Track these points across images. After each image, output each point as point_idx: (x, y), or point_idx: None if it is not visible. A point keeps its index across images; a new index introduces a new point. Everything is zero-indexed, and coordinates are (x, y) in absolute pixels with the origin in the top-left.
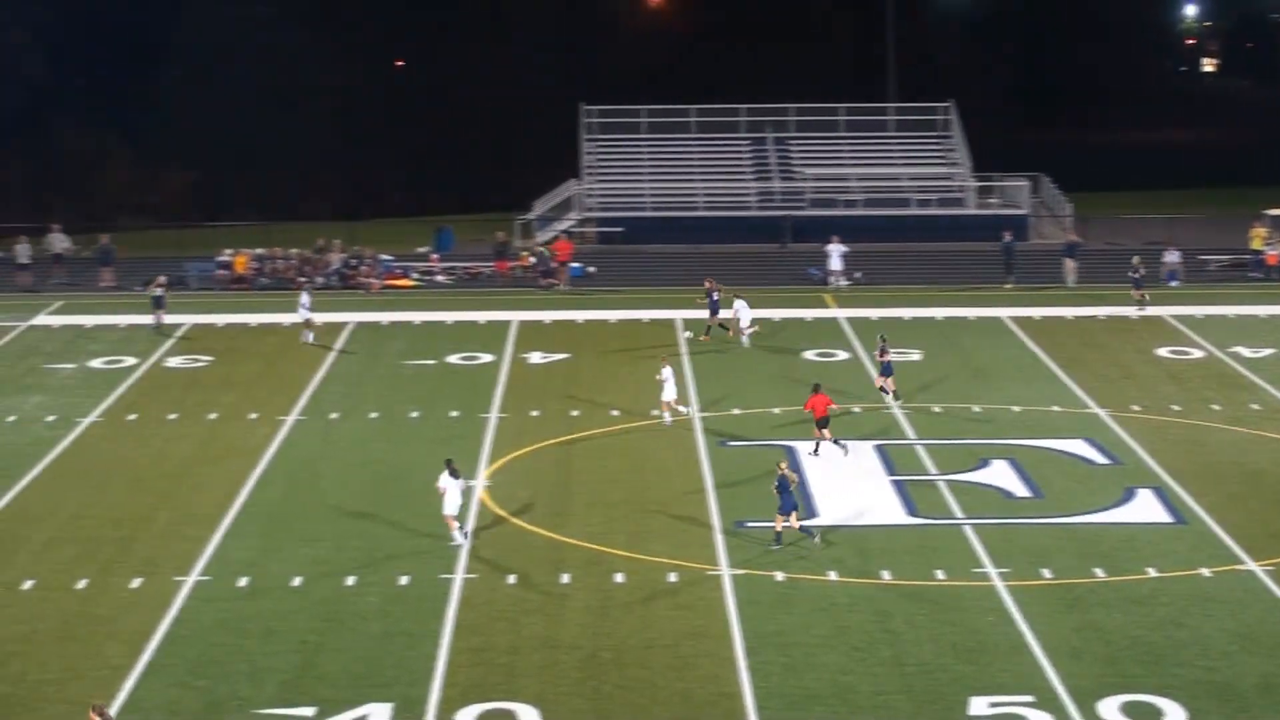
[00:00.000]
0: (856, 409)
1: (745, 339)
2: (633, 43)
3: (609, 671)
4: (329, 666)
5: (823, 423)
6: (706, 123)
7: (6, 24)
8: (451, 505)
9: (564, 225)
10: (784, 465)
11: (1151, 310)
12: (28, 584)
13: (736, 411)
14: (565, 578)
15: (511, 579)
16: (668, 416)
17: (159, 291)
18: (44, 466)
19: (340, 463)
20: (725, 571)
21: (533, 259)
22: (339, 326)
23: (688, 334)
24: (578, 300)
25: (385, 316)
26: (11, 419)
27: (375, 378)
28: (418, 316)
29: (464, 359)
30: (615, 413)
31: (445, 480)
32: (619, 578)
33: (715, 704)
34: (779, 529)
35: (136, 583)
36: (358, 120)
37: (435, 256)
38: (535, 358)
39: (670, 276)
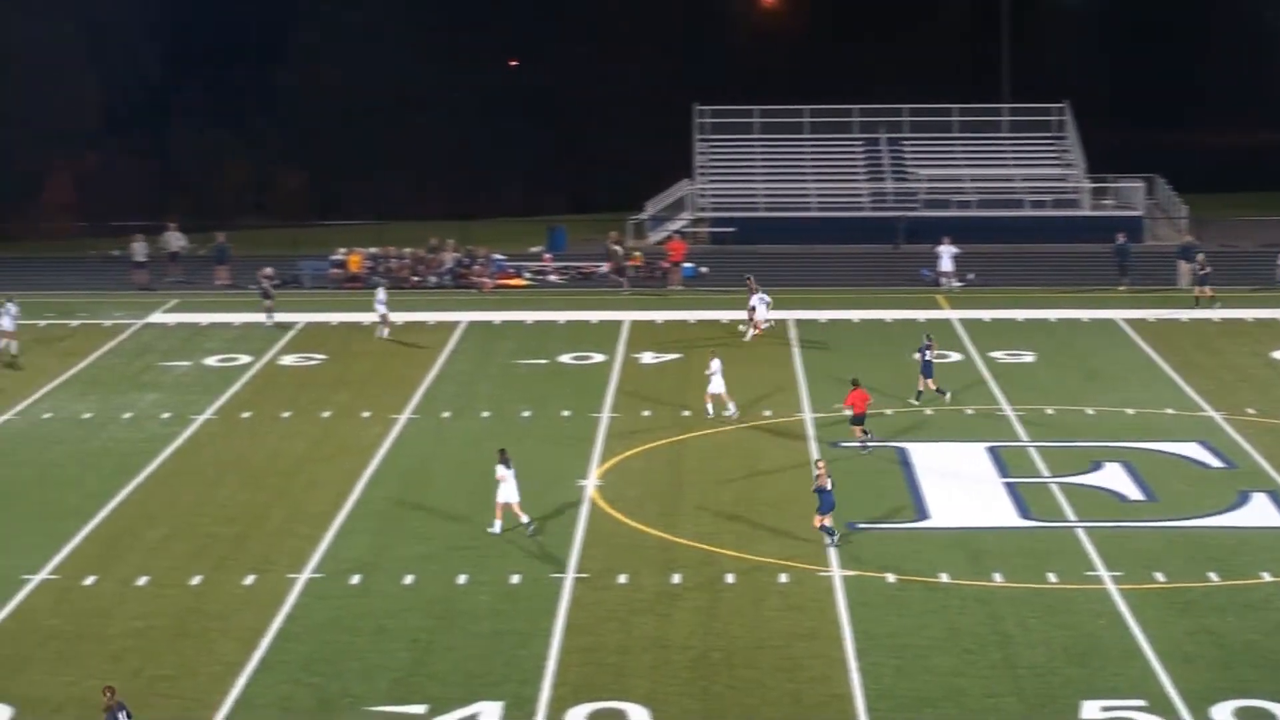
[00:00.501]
0: (969, 411)
1: (750, 333)
2: (746, 43)
3: (719, 672)
4: (440, 664)
5: (858, 420)
6: (820, 123)
7: (126, 24)
8: (507, 494)
9: (676, 225)
10: (822, 465)
11: (1223, 311)
12: (142, 580)
13: (848, 413)
14: (676, 578)
15: (622, 578)
16: (710, 408)
17: (265, 284)
18: (159, 464)
19: (452, 461)
20: (836, 573)
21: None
22: (451, 326)
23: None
24: (690, 300)
25: (497, 316)
26: (127, 416)
27: (487, 377)
28: (530, 316)
29: (576, 358)
30: (727, 412)
31: (501, 470)
32: (729, 578)
33: (825, 705)
34: (816, 525)
35: (250, 580)
36: (472, 120)
37: (548, 256)
38: (647, 358)
39: (782, 277)
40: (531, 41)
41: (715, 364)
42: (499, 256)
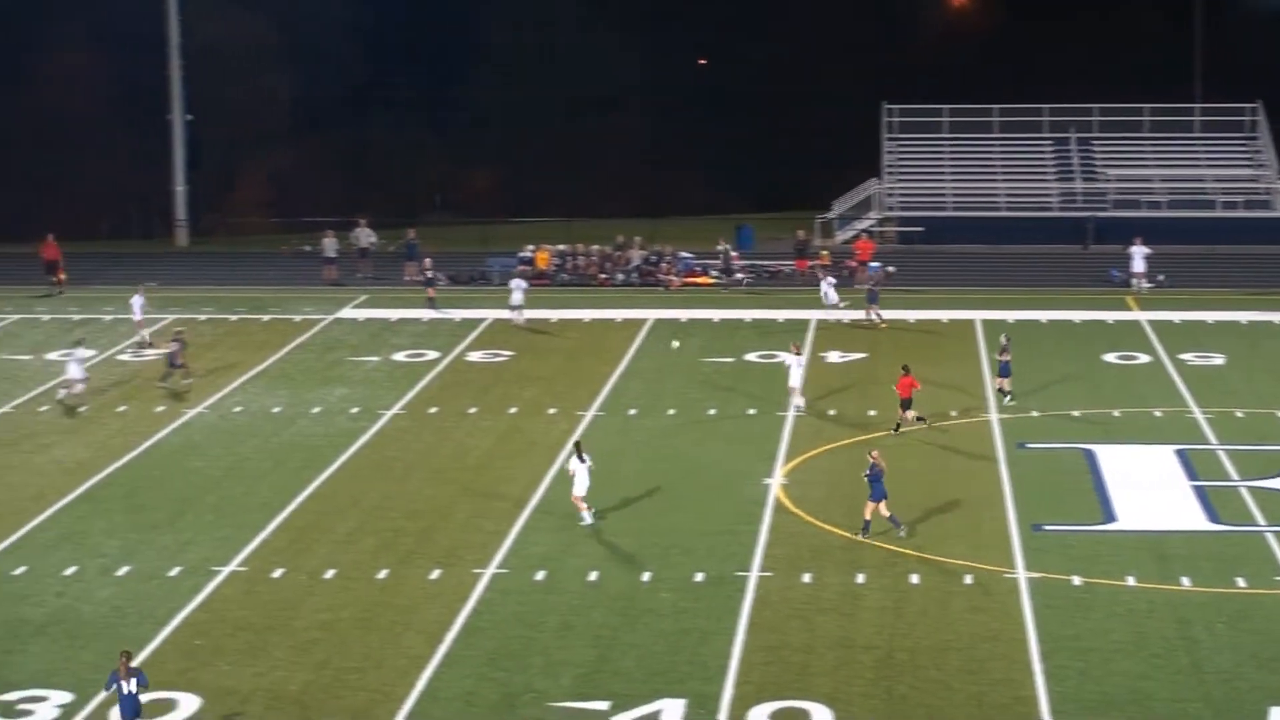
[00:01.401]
0: (1157, 413)
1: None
2: (935, 42)
3: (903, 673)
4: (623, 661)
5: (906, 404)
6: (1009, 122)
7: (326, 21)
8: (580, 487)
9: (864, 224)
10: (876, 454)
11: None
12: (329, 573)
13: (1035, 413)
14: (860, 577)
15: (807, 577)
16: (799, 401)
17: (430, 275)
18: (347, 458)
19: (638, 458)
20: (1022, 574)
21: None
22: (638, 323)
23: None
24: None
25: (684, 314)
26: (316, 411)
27: (673, 374)
28: (716, 314)
29: (762, 357)
30: (912, 413)
31: (574, 464)
32: (914, 578)
33: (1009, 708)
34: (868, 517)
35: (435, 574)
36: (660, 118)
37: (735, 254)
38: (833, 357)
39: (970, 277)
40: (721, 40)
41: (796, 357)
42: (686, 255)
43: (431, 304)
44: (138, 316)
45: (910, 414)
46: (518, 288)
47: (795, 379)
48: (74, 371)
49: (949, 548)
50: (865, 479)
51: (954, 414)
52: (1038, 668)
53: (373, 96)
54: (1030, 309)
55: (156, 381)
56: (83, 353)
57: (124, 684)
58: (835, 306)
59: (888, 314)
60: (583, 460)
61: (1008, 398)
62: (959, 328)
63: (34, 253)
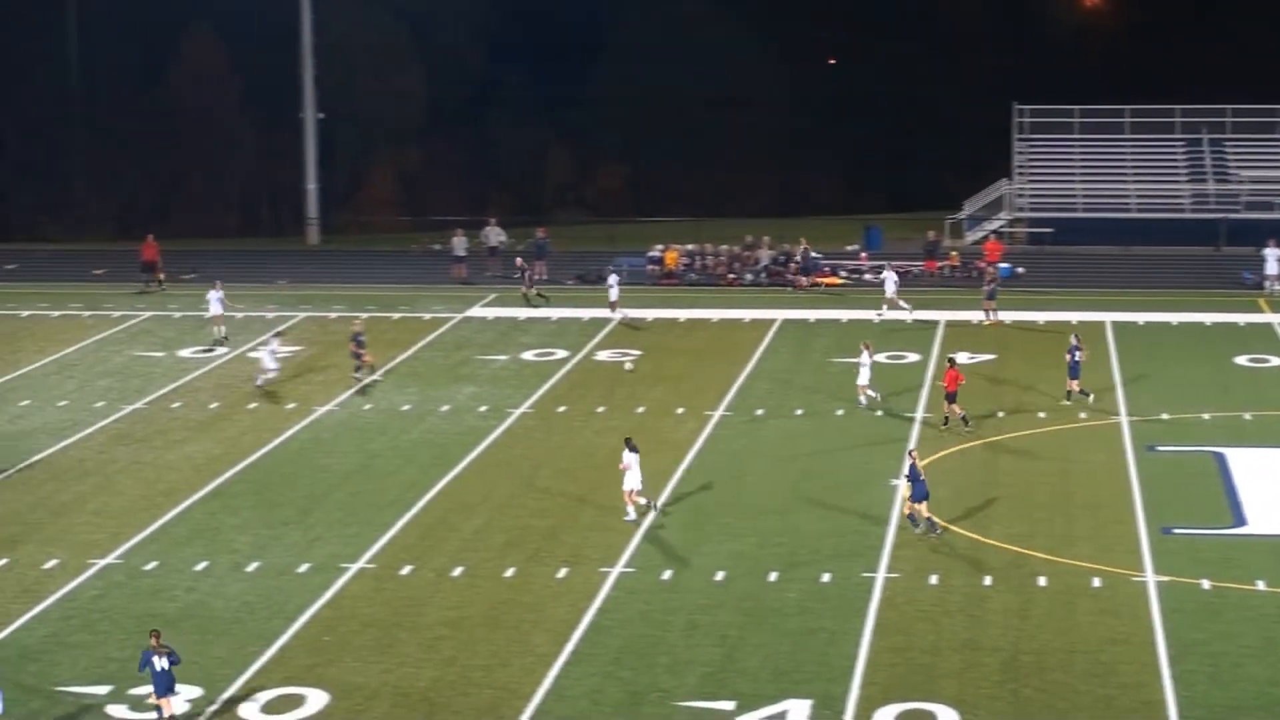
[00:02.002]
0: None
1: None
2: (1066, 42)
3: (1030, 675)
4: (749, 661)
5: (951, 398)
6: (1140, 123)
7: (450, 20)
8: (633, 481)
9: (994, 225)
10: (914, 453)
11: None
12: (457, 570)
13: (1165, 416)
14: (987, 579)
15: (934, 579)
16: (863, 399)
17: (522, 273)
18: (475, 456)
19: (765, 459)
20: (1150, 578)
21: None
22: (766, 323)
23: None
24: (1005, 301)
25: (812, 314)
26: (445, 409)
27: (802, 375)
28: (845, 314)
29: (890, 358)
30: (1042, 415)
31: (627, 457)
32: (1042, 581)
33: (1136, 712)
34: (908, 512)
35: (562, 572)
36: (790, 118)
37: (864, 255)
38: (962, 357)
39: (1100, 278)
40: (852, 39)
41: (865, 356)
42: (815, 254)
43: (526, 298)
44: (215, 312)
45: (956, 408)
46: (614, 284)
47: (864, 377)
48: (267, 362)
49: (1077, 550)
50: (905, 480)
51: (1083, 416)
52: (1166, 672)
53: (501, 95)
54: (1161, 311)
55: (351, 373)
56: (276, 345)
57: (156, 660)
58: (892, 301)
59: (1018, 314)
60: (634, 452)
61: (1091, 397)
62: (1089, 330)
63: (165, 249)
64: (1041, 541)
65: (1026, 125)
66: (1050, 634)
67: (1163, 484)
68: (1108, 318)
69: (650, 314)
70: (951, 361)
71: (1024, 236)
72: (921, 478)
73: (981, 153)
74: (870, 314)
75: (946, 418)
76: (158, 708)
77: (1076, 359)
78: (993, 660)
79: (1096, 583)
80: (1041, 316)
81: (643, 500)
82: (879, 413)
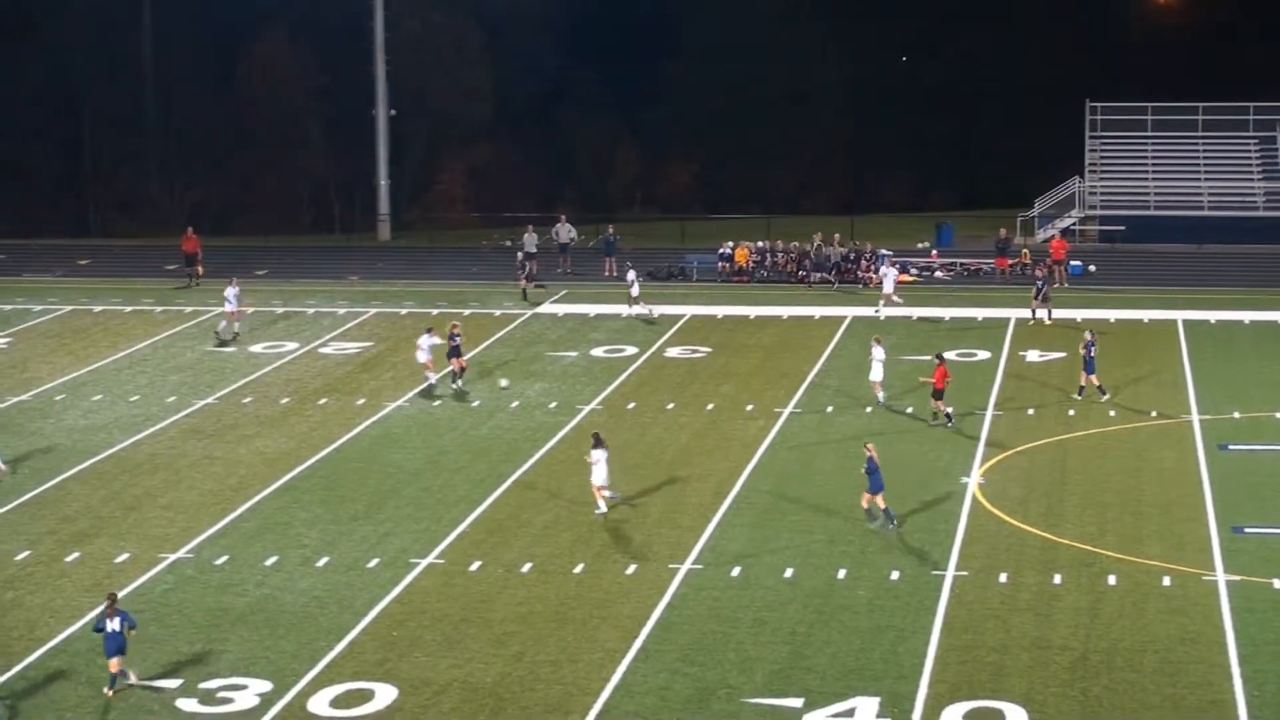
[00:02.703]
0: None
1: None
2: (1140, 39)
3: (1099, 674)
4: (817, 658)
5: (939, 394)
6: (1213, 120)
7: (520, 18)
8: (599, 476)
9: (1065, 223)
10: (871, 447)
11: None
12: (526, 566)
13: (1236, 415)
14: (1057, 578)
15: (1003, 577)
16: (881, 396)
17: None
18: (545, 452)
19: (835, 456)
20: (1220, 577)
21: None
22: (836, 321)
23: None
24: (1076, 299)
25: (883, 311)
26: (515, 405)
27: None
28: (915, 312)
29: (960, 355)
30: (1113, 413)
31: (595, 453)
32: (1112, 579)
33: (1206, 711)
34: (865, 506)
35: (631, 569)
36: (861, 115)
37: (935, 252)
38: (1033, 356)
39: (1172, 277)
40: (924, 36)
41: (879, 350)
42: (885, 252)
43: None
44: (231, 307)
45: (942, 405)
46: (634, 280)
47: (877, 373)
48: (422, 356)
49: (1147, 549)
50: (864, 473)
51: (1153, 414)
52: (1236, 671)
53: (571, 92)
54: (1233, 310)
55: (450, 384)
56: (428, 339)
57: (109, 622)
58: (888, 297)
59: (1089, 313)
60: (601, 448)
61: (1104, 395)
62: (1160, 328)
63: (237, 245)
64: (1112, 540)
65: (1099, 122)
66: (1120, 633)
67: (1234, 483)
68: (1179, 316)
69: (720, 311)
70: (940, 358)
71: (1095, 234)
72: (878, 470)
73: (1054, 150)
74: (939, 311)
75: (934, 413)
76: (123, 671)
77: (1092, 354)
78: (1062, 659)
79: (1167, 581)
80: (1113, 314)
81: (609, 493)
82: (908, 409)
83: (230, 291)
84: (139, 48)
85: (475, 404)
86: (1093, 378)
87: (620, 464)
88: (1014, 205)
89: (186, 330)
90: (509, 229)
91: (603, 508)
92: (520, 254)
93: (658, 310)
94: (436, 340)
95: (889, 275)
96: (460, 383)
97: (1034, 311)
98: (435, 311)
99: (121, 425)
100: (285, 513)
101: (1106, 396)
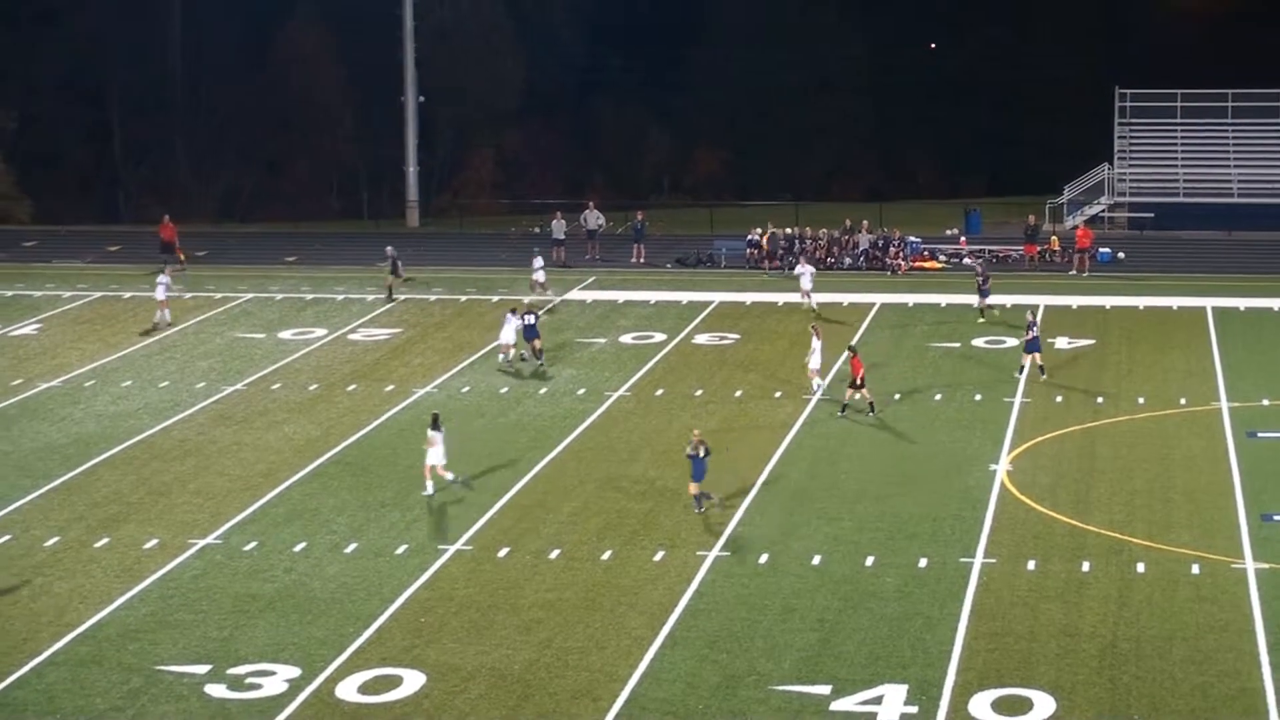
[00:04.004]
0: None
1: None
2: (1169, 25)
3: (1127, 662)
4: (845, 645)
5: (858, 384)
6: (1243, 107)
7: (547, 6)
8: (435, 456)
9: (1094, 210)
10: (698, 434)
11: None
12: (554, 553)
13: (1266, 402)
14: (1085, 565)
15: (1031, 565)
16: (815, 384)
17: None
18: (573, 439)
19: (863, 443)
20: (1250, 565)
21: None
22: (865, 307)
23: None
24: (1105, 286)
25: (911, 298)
26: (543, 391)
27: (900, 359)
28: (944, 299)
29: (989, 342)
30: (1141, 400)
31: (431, 434)
32: (1140, 567)
33: (1234, 700)
34: (694, 493)
35: (659, 555)
36: (890, 102)
37: (963, 239)
38: (1061, 343)
39: (1201, 264)
40: (952, 24)
41: (816, 342)
42: (914, 239)
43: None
44: (160, 296)
45: (856, 393)
46: (539, 267)
47: (815, 361)
48: (506, 336)
49: (1176, 536)
50: (687, 458)
51: (1183, 402)
52: (1265, 659)
53: (599, 79)
54: (1262, 297)
55: (536, 365)
56: (515, 320)
57: None
58: (806, 295)
59: (1118, 300)
60: (438, 429)
61: (1043, 375)
62: (1189, 315)
63: (267, 231)
64: (1140, 528)
65: (1128, 109)
66: (1148, 621)
67: (1263, 470)
68: (1208, 303)
69: (748, 298)
70: (853, 350)
71: (1125, 221)
72: (702, 457)
73: (1083, 137)
74: (971, 299)
75: (844, 404)
76: None
77: (1035, 334)
78: (1090, 646)
79: (1195, 569)
80: (1141, 302)
81: (449, 476)
82: (937, 396)
83: (162, 279)
84: (169, 34)
85: (503, 390)
86: (1035, 356)
87: (648, 451)
88: (1043, 192)
89: (216, 316)
90: (538, 215)
91: (430, 489)
92: (389, 249)
93: (685, 298)
94: (519, 322)
95: (806, 274)
96: (542, 362)
97: (982, 309)
98: (464, 299)
99: (151, 411)
100: (314, 499)
101: (1044, 376)
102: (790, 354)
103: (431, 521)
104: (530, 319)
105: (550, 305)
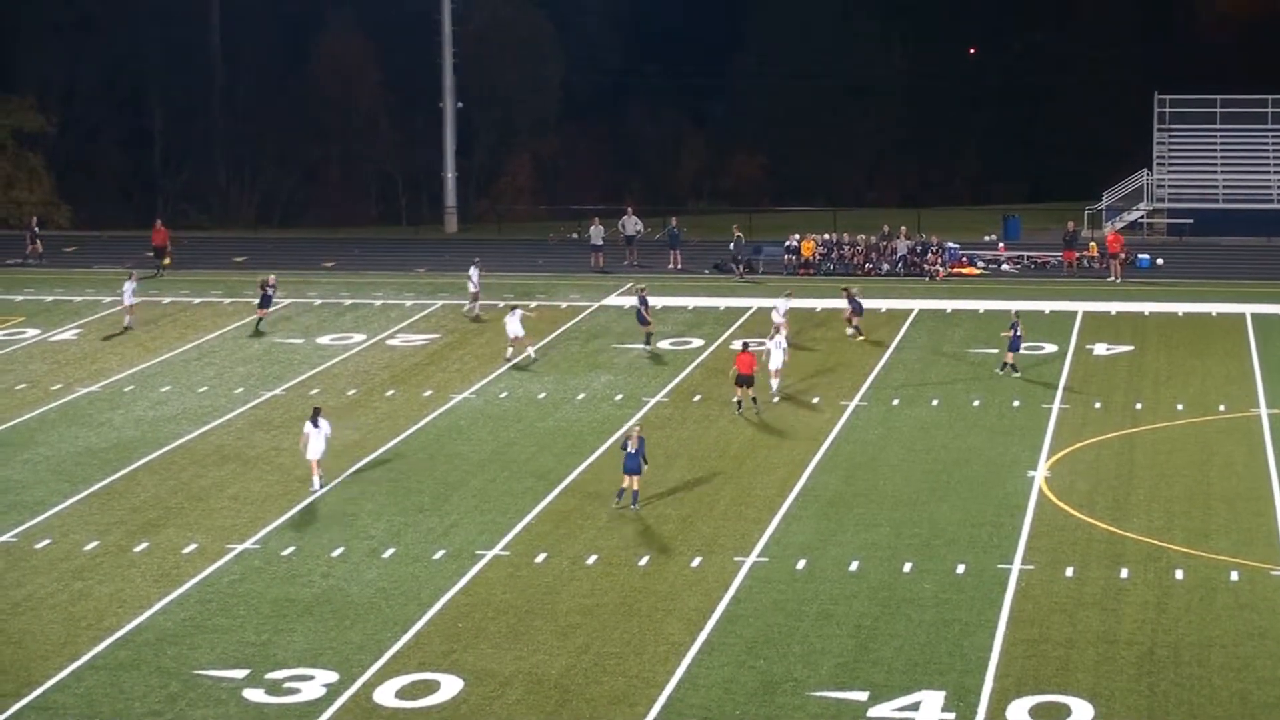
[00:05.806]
0: None
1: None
2: (1210, 30)
3: (1165, 668)
4: (883, 651)
5: (746, 381)
6: None
7: (585, 11)
8: (314, 451)
9: (1133, 216)
10: (638, 429)
11: None
12: (592, 559)
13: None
14: (1124, 572)
15: (1069, 571)
16: (774, 384)
17: (267, 291)
18: (610, 444)
19: (901, 449)
20: None
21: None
22: (903, 314)
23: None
24: (1144, 292)
25: (949, 304)
26: (581, 397)
27: (938, 365)
28: (982, 305)
29: (1027, 349)
30: (1180, 406)
31: (308, 427)
32: (1179, 574)
33: (1274, 707)
34: (634, 489)
35: (696, 561)
36: (928, 108)
37: (1002, 245)
38: (1100, 349)
39: (1240, 270)
40: (991, 29)
41: (771, 341)
42: (952, 245)
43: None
44: (127, 301)
45: (744, 391)
46: (475, 276)
47: (776, 361)
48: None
49: (1214, 543)
50: (621, 451)
51: (1221, 408)
52: None
53: (636, 85)
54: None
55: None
56: (134, 285)
57: None
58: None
59: (1157, 306)
60: (317, 425)
61: (1016, 373)
62: (1229, 321)
63: (305, 236)
64: (1179, 534)
65: (1168, 115)
66: (1187, 627)
67: None
68: (1248, 309)
69: (786, 304)
70: (745, 345)
71: (1164, 227)
72: (634, 452)
73: (1122, 142)
74: (1010, 305)
75: (739, 400)
76: None
77: (1018, 333)
78: (1129, 653)
79: (1234, 576)
80: (1181, 308)
81: (316, 478)
82: (975, 402)
83: (128, 286)
84: (207, 40)
85: (541, 396)
86: (1012, 355)
87: (685, 456)
88: (1081, 198)
89: (254, 322)
90: (576, 221)
91: (316, 485)
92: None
93: (723, 304)
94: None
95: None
96: (653, 343)
97: (856, 329)
98: (500, 303)
99: (190, 416)
100: (352, 504)
101: (1018, 374)
102: (828, 360)
103: (673, 530)
104: (643, 301)
105: (476, 315)
